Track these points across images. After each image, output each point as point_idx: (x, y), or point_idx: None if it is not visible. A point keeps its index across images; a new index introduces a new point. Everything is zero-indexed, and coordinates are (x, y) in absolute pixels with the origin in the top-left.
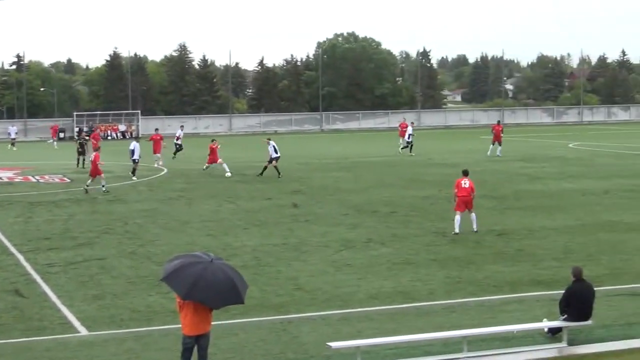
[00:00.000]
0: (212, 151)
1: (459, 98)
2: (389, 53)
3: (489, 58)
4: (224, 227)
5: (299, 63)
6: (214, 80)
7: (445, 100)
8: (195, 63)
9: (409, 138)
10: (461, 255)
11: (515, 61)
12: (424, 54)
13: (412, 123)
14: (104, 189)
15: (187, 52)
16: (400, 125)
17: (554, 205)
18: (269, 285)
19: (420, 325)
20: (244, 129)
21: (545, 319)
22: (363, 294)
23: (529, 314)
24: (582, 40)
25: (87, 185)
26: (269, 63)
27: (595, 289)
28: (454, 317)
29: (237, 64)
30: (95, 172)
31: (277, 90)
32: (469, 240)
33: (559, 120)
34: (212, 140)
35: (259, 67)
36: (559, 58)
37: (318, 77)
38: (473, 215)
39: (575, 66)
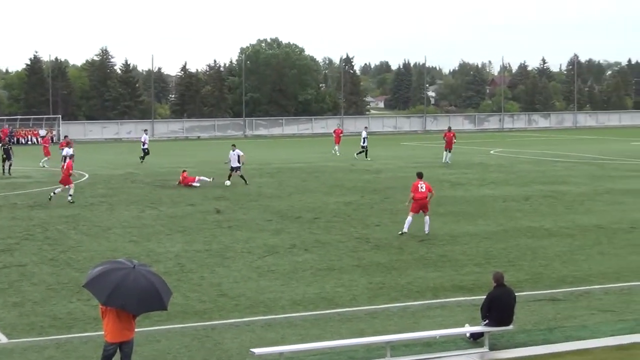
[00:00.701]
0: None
1: (381, 104)
2: (312, 59)
3: (412, 65)
4: (146, 233)
5: (222, 68)
6: (137, 85)
7: (368, 106)
8: (118, 68)
9: (364, 142)
10: (384, 261)
11: (438, 68)
12: (347, 61)
13: (366, 127)
14: (70, 198)
15: (109, 57)
16: (334, 132)
17: (476, 211)
18: (193, 292)
19: (343, 331)
20: (167, 135)
21: (467, 324)
22: (287, 300)
23: (451, 319)
24: (503, 48)
25: (54, 193)
26: (192, 68)
27: (516, 294)
28: (377, 323)
29: (159, 69)
30: (66, 181)
31: (200, 95)
32: (392, 246)
33: (481, 127)
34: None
35: (182, 72)
36: (480, 65)
37: (241, 82)
38: (427, 218)
39: (496, 74)
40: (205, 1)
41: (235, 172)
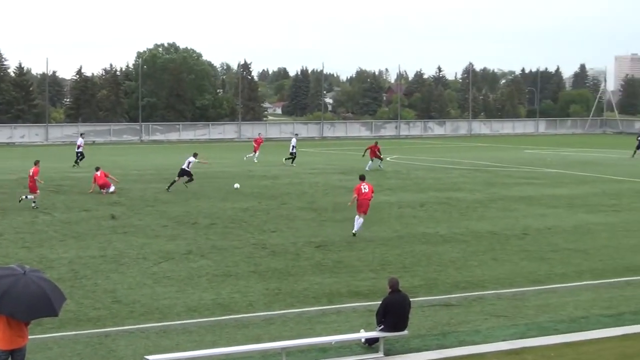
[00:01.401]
0: None
1: (279, 111)
2: (210, 64)
3: (310, 71)
4: (39, 239)
5: (118, 73)
6: (30, 88)
7: (265, 112)
8: (11, 71)
9: (292, 149)
10: (281, 266)
11: (335, 75)
12: (245, 66)
13: (296, 135)
14: (33, 205)
15: (2, 59)
16: (255, 141)
17: (372, 217)
18: (86, 299)
19: (239, 337)
20: (61, 139)
21: (362, 330)
22: (182, 306)
23: (347, 324)
24: (400, 56)
25: (26, 198)
26: (87, 72)
27: (410, 299)
28: (273, 329)
29: (54, 72)
30: (34, 188)
31: (95, 100)
32: (288, 252)
33: (377, 133)
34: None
35: (77, 76)
36: (377, 73)
37: (138, 87)
38: (361, 220)
39: (393, 81)
40: (102, 5)
41: (182, 178)
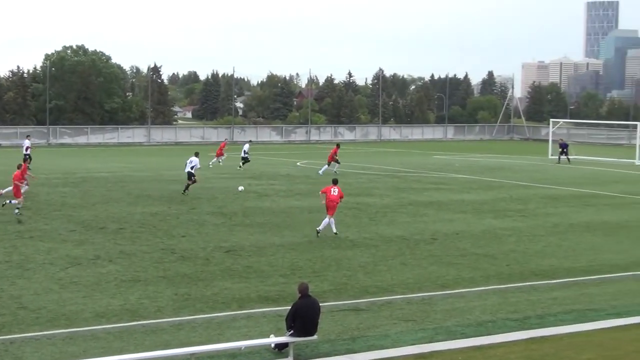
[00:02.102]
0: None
1: (189, 115)
2: (119, 67)
3: (220, 75)
4: None
5: (25, 75)
6: None
7: (175, 116)
8: None
9: (244, 154)
10: (190, 272)
11: (246, 79)
12: (155, 70)
13: (250, 141)
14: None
15: None
16: (222, 145)
17: (282, 222)
18: None
19: (147, 343)
20: None
21: (272, 335)
22: (89, 312)
23: (257, 330)
24: (310, 61)
25: (7, 203)
26: None
27: (320, 304)
28: (181, 334)
29: None
30: (17, 193)
31: (1, 102)
32: (198, 257)
33: (288, 138)
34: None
35: None
36: (288, 78)
37: (45, 89)
38: (329, 220)
39: (303, 86)
40: (9, 6)
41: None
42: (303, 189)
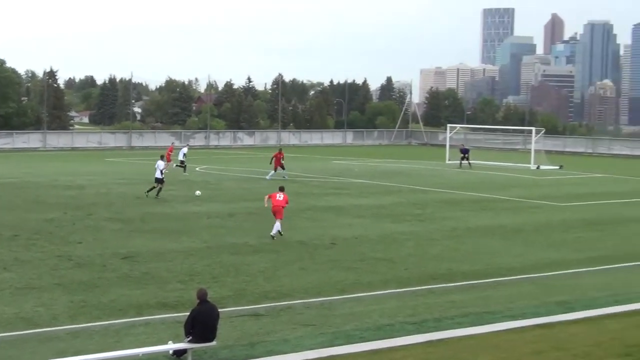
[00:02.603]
0: None
1: (86, 119)
2: (14, 71)
3: (118, 80)
4: None
5: None
6: None
7: (72, 121)
8: None
9: (183, 157)
10: (86, 279)
11: (144, 84)
12: (51, 74)
13: (188, 145)
14: None
15: None
16: (169, 150)
17: (181, 228)
18: None
19: (42, 351)
20: None
21: (170, 341)
22: None
23: (155, 336)
24: (209, 66)
25: None
26: None
27: (219, 310)
28: (77, 342)
29: None
30: None
31: None
32: (94, 263)
33: (187, 143)
34: None
35: None
36: (187, 82)
37: None
38: (278, 223)
39: (202, 91)
40: None
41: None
42: (202, 195)
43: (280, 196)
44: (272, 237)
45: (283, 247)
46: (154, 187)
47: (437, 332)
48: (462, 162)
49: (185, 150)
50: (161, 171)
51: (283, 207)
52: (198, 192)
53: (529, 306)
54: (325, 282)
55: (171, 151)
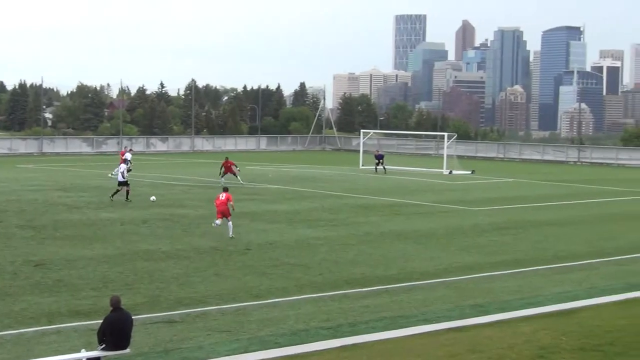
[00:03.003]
0: None
1: None
2: None
3: (28, 85)
4: None
5: None
6: None
7: None
8: None
9: (128, 164)
10: None
11: (55, 89)
12: None
13: (130, 150)
14: None
15: None
16: (121, 152)
17: (93, 234)
18: None
19: None
20: None
21: (83, 350)
22: None
23: (67, 344)
24: (122, 71)
25: None
26: None
27: (133, 317)
28: None
29: None
30: None
31: None
32: (5, 271)
33: (99, 150)
34: None
35: None
36: (99, 88)
37: None
38: (230, 223)
39: (115, 96)
40: None
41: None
42: (115, 201)
43: (222, 195)
44: (231, 237)
45: (197, 253)
46: (118, 191)
47: (352, 336)
48: (378, 167)
49: (128, 156)
50: (122, 173)
51: (225, 205)
52: (153, 198)
53: (443, 310)
54: (239, 287)
55: (123, 154)
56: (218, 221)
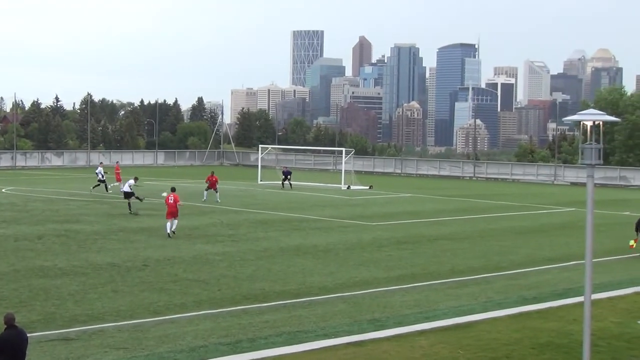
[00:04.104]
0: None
1: None
2: None
3: None
4: None
5: None
6: None
7: None
8: None
9: (101, 177)
10: None
11: None
12: None
13: (101, 163)
14: None
15: None
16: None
17: None
18: None
19: None
20: None
21: None
22: None
23: None
24: (15, 85)
25: None
26: None
27: (28, 335)
28: None
29: None
30: None
31: None
32: None
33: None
34: None
35: None
36: None
37: None
38: (176, 221)
39: (8, 110)
40: None
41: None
42: (8, 217)
43: (171, 197)
44: (168, 235)
45: (94, 270)
46: (129, 203)
47: (251, 352)
48: (284, 183)
49: (100, 169)
50: (129, 186)
51: (174, 206)
52: (164, 194)
53: (342, 324)
54: (137, 304)
55: (118, 170)
56: (169, 223)
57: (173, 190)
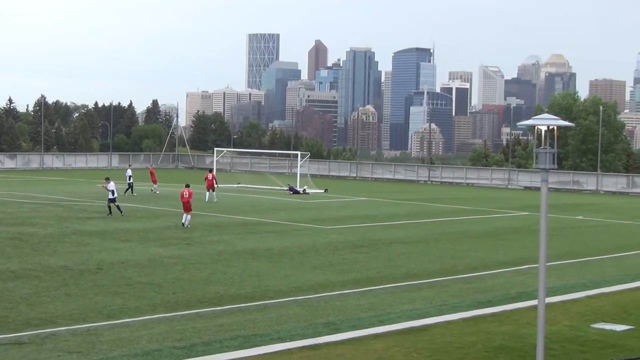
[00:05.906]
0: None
1: None
2: None
3: None
4: None
5: None
6: None
7: None
8: None
9: (130, 180)
10: None
11: None
12: None
13: (130, 165)
14: None
15: None
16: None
17: None
18: None
19: None
20: None
21: None
22: None
23: None
24: None
25: None
26: None
27: None
28: None
29: None
30: None
31: None
32: None
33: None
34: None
35: None
36: None
37: None
38: (189, 216)
39: None
40: None
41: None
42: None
43: (186, 192)
44: (183, 224)
45: (47, 273)
46: (118, 206)
47: (206, 356)
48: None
49: (129, 172)
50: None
51: (188, 200)
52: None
53: (297, 328)
54: (91, 307)
55: (153, 171)
56: (188, 216)
57: (187, 186)
